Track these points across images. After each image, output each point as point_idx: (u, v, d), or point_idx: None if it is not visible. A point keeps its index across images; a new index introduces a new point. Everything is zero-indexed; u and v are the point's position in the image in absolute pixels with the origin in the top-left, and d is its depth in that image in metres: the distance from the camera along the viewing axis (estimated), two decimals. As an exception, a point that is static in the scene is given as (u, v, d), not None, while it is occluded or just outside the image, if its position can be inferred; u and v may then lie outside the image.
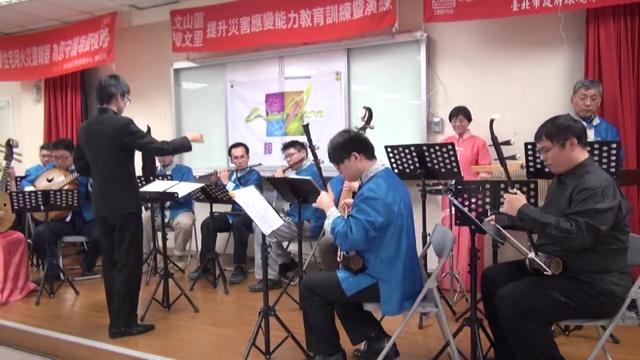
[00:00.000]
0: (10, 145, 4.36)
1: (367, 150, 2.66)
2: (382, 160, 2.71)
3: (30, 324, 3.64)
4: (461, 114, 4.16)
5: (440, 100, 4.70)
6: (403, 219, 2.56)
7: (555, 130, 2.37)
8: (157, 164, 5.12)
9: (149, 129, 3.62)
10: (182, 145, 3.52)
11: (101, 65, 6.28)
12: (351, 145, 2.63)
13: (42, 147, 5.70)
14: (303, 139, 5.15)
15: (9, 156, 4.37)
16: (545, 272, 2.24)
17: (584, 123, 3.28)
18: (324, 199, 2.70)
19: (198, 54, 5.71)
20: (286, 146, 4.75)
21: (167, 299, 3.90)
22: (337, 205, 3.17)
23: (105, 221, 3.38)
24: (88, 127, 3.38)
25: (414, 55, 4.71)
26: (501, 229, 2.50)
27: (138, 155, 3.61)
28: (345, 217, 2.59)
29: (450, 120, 4.24)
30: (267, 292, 2.97)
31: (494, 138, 2.49)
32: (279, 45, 5.21)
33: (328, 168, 4.34)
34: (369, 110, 3.49)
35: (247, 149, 5.07)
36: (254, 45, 5.27)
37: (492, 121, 2.50)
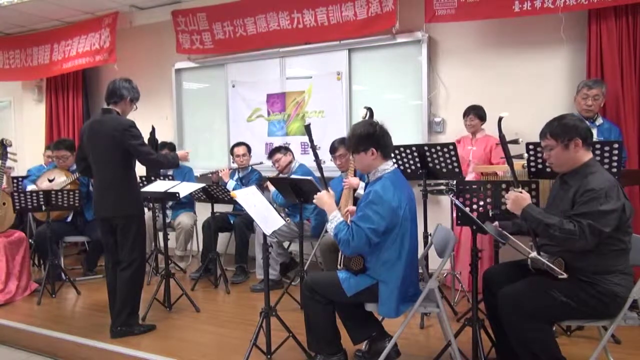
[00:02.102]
0: (4, 145, 4.38)
1: (385, 148, 2.61)
2: (393, 161, 2.68)
3: (31, 324, 3.65)
4: (472, 113, 4.13)
5: (441, 101, 4.69)
6: (407, 223, 2.54)
7: (561, 129, 2.36)
8: None
9: (153, 129, 3.61)
10: (174, 163, 3.58)
11: (103, 66, 6.29)
12: (372, 140, 2.58)
13: (47, 148, 5.72)
14: (293, 140, 5.20)
15: (3, 155, 4.39)
16: (560, 276, 2.23)
17: (587, 123, 3.28)
18: (325, 198, 2.67)
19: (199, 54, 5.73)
20: (271, 154, 4.76)
21: (169, 299, 3.91)
22: (337, 203, 3.17)
23: (106, 221, 3.38)
24: (90, 126, 3.38)
25: (415, 55, 4.71)
26: (508, 235, 2.49)
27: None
28: (348, 222, 2.58)
29: (463, 118, 4.23)
30: (268, 292, 2.97)
31: (501, 136, 2.48)
32: (280, 44, 5.22)
33: (328, 168, 4.38)
34: (370, 110, 3.49)
35: (249, 148, 5.08)
36: (262, 46, 5.30)
37: (500, 119, 2.48)
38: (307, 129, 2.91)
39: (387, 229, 2.49)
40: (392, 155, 3.48)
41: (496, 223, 2.65)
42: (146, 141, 3.55)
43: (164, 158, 3.46)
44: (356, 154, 2.64)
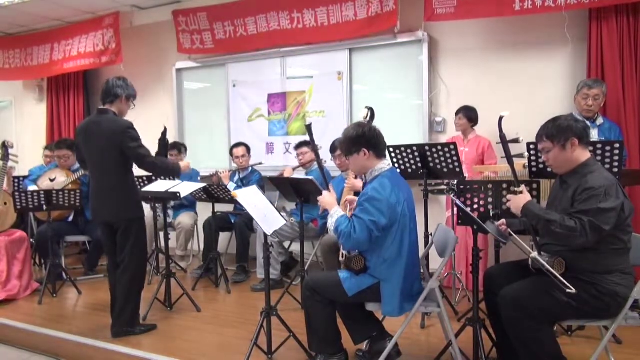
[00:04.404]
0: (5, 147, 4.40)
1: (377, 148, 2.63)
2: (388, 160, 2.71)
3: (33, 324, 3.65)
4: (462, 112, 4.16)
5: (442, 100, 4.69)
6: (406, 220, 2.55)
7: (556, 130, 2.36)
8: None
9: (165, 130, 3.59)
10: (173, 171, 3.54)
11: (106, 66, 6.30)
12: (363, 141, 2.61)
13: (46, 148, 5.73)
14: (293, 140, 5.19)
15: (5, 157, 4.41)
16: (567, 290, 2.19)
17: (587, 123, 3.27)
18: (327, 199, 2.70)
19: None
20: (299, 145, 4.75)
21: (170, 299, 3.91)
22: (339, 203, 3.17)
23: (107, 225, 3.36)
24: (87, 127, 3.31)
25: (416, 54, 4.71)
26: (513, 233, 2.48)
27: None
28: (348, 215, 2.59)
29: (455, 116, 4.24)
30: (269, 291, 2.97)
31: (502, 136, 2.47)
32: (280, 45, 5.22)
33: (333, 168, 4.39)
34: (371, 110, 3.47)
35: (248, 149, 5.08)
36: (262, 46, 5.31)
37: (501, 118, 2.48)
38: (309, 129, 2.91)
39: (387, 225, 2.50)
40: (393, 155, 3.52)
41: (503, 220, 2.64)
42: (157, 142, 3.53)
43: (163, 164, 3.38)
44: (350, 156, 2.68)
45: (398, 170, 3.58)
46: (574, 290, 2.12)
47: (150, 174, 4.33)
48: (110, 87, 3.29)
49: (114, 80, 3.33)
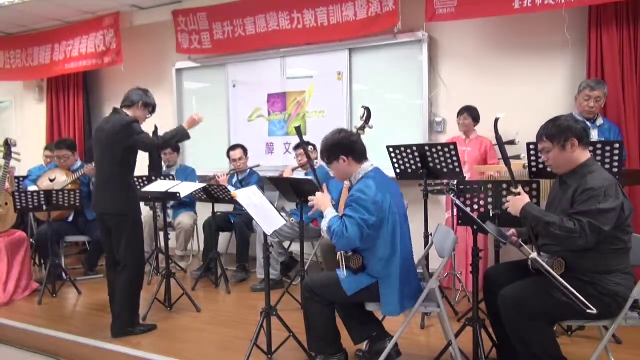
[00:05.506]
0: (8, 145, 4.39)
1: (354, 153, 2.66)
2: (371, 161, 2.72)
3: (32, 324, 3.65)
4: (467, 112, 4.16)
5: (442, 100, 4.69)
6: (395, 217, 2.57)
7: (556, 131, 2.36)
8: (163, 163, 5.14)
9: (156, 128, 3.62)
10: (175, 136, 3.44)
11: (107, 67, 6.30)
12: (339, 148, 2.65)
13: (46, 148, 5.72)
14: (293, 140, 5.19)
15: (7, 155, 4.41)
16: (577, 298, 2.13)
17: (588, 123, 3.26)
18: (321, 199, 2.70)
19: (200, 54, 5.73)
20: (298, 146, 4.74)
21: (169, 299, 3.91)
22: (337, 204, 3.18)
23: (101, 219, 3.40)
24: (99, 124, 3.48)
25: (416, 55, 4.71)
26: (523, 244, 2.47)
27: (142, 156, 3.62)
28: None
29: (457, 117, 4.23)
30: (269, 292, 2.97)
31: (498, 137, 2.48)
32: (279, 45, 5.22)
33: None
34: (367, 109, 3.48)
35: (245, 151, 5.04)
36: (260, 47, 5.30)
37: (496, 120, 2.49)
38: (298, 131, 2.94)
39: (377, 223, 2.52)
40: (393, 155, 3.52)
41: (513, 231, 2.64)
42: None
43: (163, 138, 3.40)
44: (330, 164, 2.71)
45: (398, 171, 3.58)
46: (594, 311, 2.06)
47: (153, 172, 4.33)
48: (129, 94, 3.44)
49: (135, 88, 3.48)
